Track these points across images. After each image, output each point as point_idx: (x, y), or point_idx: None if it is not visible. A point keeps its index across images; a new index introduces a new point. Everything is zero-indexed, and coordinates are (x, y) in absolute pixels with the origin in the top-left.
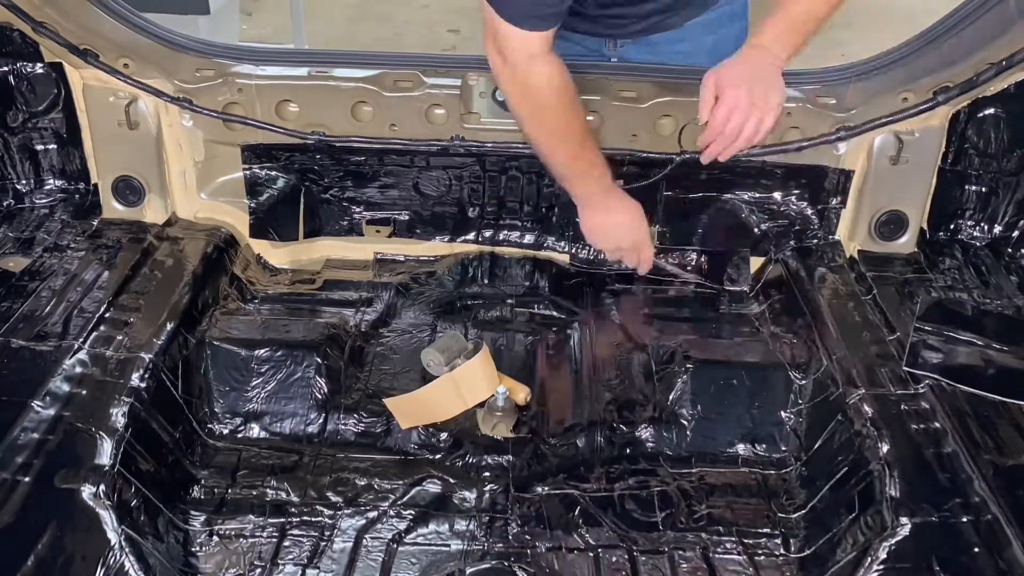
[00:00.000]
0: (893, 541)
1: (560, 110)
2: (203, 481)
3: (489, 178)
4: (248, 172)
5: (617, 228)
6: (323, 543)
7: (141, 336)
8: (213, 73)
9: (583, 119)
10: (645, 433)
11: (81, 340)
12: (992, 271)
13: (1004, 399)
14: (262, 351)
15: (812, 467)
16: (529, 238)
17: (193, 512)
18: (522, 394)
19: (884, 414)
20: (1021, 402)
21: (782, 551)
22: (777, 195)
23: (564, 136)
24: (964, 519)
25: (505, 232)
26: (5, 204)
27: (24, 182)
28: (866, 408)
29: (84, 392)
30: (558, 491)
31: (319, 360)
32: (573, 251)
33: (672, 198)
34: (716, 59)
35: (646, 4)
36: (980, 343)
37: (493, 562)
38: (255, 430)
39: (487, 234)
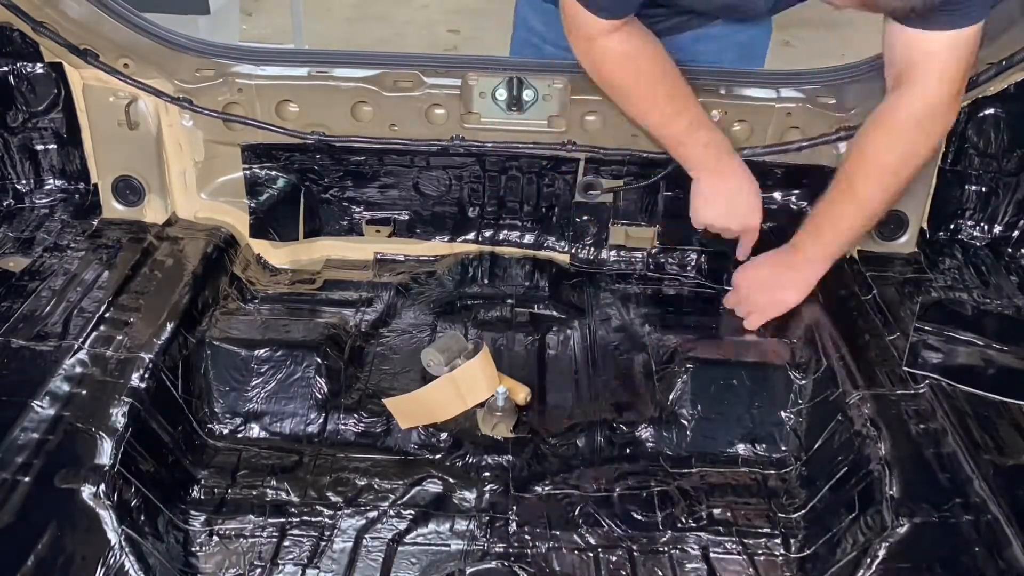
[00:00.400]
0: (893, 541)
1: (634, 77)
2: (203, 481)
3: (489, 178)
4: (248, 172)
5: (731, 195)
6: (323, 543)
7: (141, 336)
8: (213, 73)
9: (670, 81)
10: (645, 433)
11: (81, 340)
12: (992, 271)
13: (1004, 399)
14: (262, 351)
15: (812, 467)
16: (529, 238)
17: (193, 512)
18: (522, 394)
19: (884, 414)
20: (1021, 402)
21: (782, 551)
22: (777, 195)
23: (648, 102)
24: (964, 519)
25: (505, 232)
26: (5, 204)
27: (24, 182)
28: (866, 408)
29: (84, 392)
30: (558, 491)
31: (319, 360)
32: (573, 251)
33: (672, 198)
34: (744, 58)
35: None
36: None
37: (493, 562)
38: (255, 430)
39: (487, 234)
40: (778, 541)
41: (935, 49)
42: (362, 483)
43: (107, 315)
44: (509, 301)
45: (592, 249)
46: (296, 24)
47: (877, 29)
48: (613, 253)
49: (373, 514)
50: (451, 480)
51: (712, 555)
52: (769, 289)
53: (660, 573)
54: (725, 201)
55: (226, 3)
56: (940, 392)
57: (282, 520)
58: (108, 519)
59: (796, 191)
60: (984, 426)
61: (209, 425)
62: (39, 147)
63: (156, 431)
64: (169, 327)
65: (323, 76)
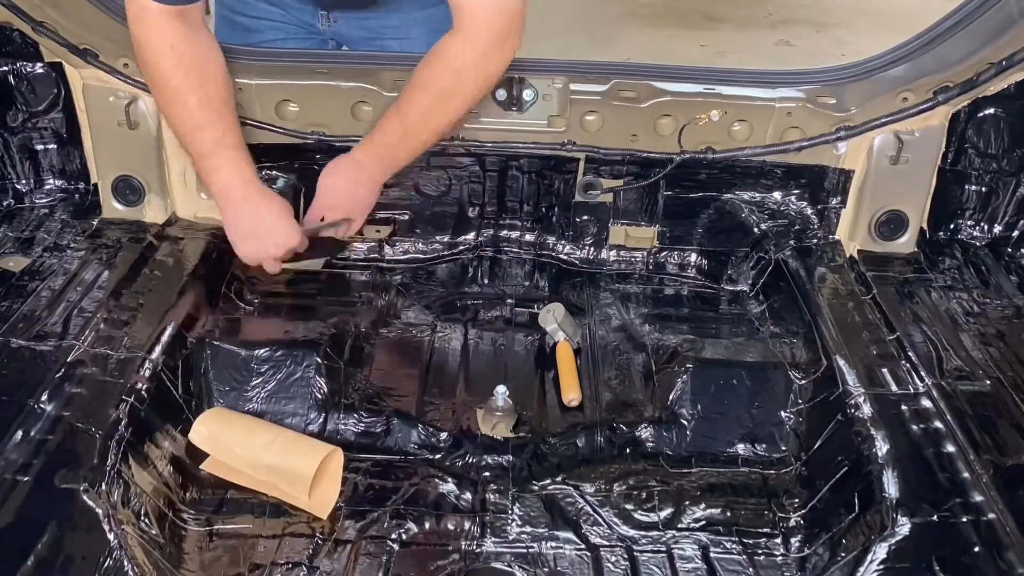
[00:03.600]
0: (893, 541)
1: (167, 74)
2: (203, 481)
3: (489, 178)
4: None
5: (258, 224)
6: (323, 543)
7: (141, 336)
8: None
9: (211, 89)
10: (645, 433)
11: (81, 340)
12: (992, 271)
13: None
14: (262, 351)
15: (812, 467)
16: (529, 238)
17: (193, 512)
18: (572, 394)
19: (884, 414)
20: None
21: (782, 551)
22: (777, 195)
23: (178, 102)
24: (964, 519)
25: (505, 232)
26: (5, 204)
27: (24, 182)
28: (866, 408)
29: (84, 392)
30: (558, 491)
31: (319, 360)
32: (573, 251)
33: (672, 198)
34: (431, 33)
35: None
36: None
37: (493, 562)
38: None
39: (487, 234)
40: (778, 541)
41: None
42: (362, 483)
43: (107, 315)
44: (509, 301)
45: (592, 249)
46: None
47: (878, 30)
48: (613, 253)
49: (373, 514)
50: (451, 480)
51: (712, 555)
52: (351, 196)
53: (660, 573)
54: (252, 232)
55: None
56: (940, 392)
57: (282, 520)
58: (108, 519)
59: (796, 191)
60: (984, 426)
61: None
62: (39, 147)
63: (156, 431)
64: (169, 327)
65: (323, 76)
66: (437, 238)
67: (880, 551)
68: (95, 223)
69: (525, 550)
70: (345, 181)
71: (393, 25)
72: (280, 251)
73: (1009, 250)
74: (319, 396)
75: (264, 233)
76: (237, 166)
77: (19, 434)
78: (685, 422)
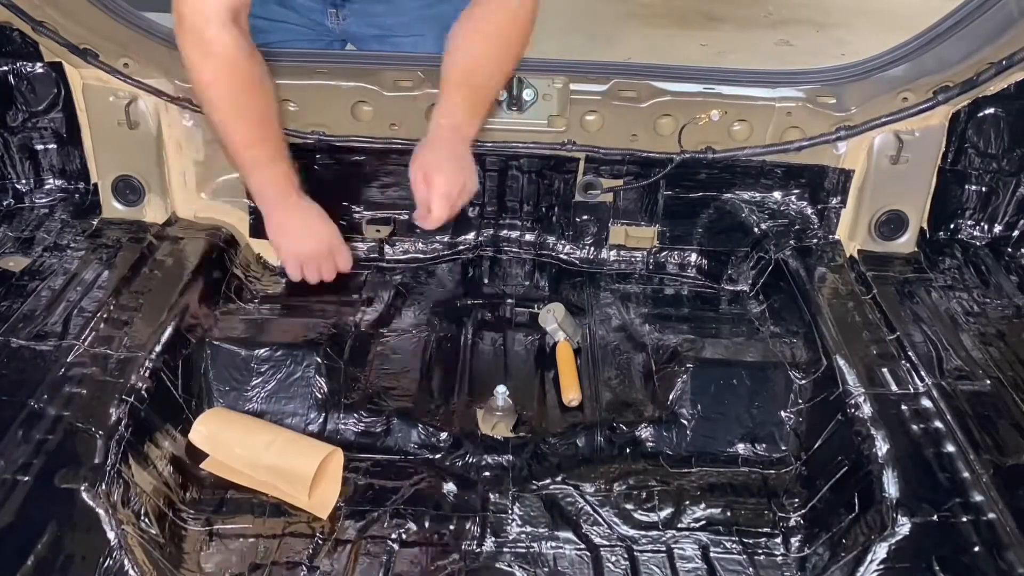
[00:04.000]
0: (893, 541)
1: (238, 87)
2: (203, 481)
3: (489, 178)
4: None
5: (302, 226)
6: (323, 543)
7: (141, 336)
8: None
9: (268, 104)
10: (645, 433)
11: (81, 340)
12: (992, 271)
13: None
14: (262, 351)
15: (812, 467)
16: (529, 238)
17: (193, 512)
18: (572, 394)
19: (884, 414)
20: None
21: (782, 551)
22: (777, 195)
23: (241, 117)
24: (964, 519)
25: (505, 232)
26: (5, 204)
27: (24, 182)
28: (866, 408)
29: (84, 392)
30: (558, 491)
31: (319, 360)
32: (573, 251)
33: (672, 198)
34: (441, 31)
35: None
36: None
37: (493, 562)
38: None
39: (487, 234)
40: (778, 541)
41: None
42: (362, 483)
43: (107, 315)
44: (509, 301)
45: (592, 249)
46: None
47: (878, 30)
48: (613, 253)
49: (373, 514)
50: (451, 480)
51: (712, 555)
52: (457, 171)
53: (660, 573)
54: (298, 233)
55: None
56: (940, 392)
57: (282, 520)
58: (108, 519)
59: (796, 191)
60: (984, 426)
61: None
62: (39, 147)
63: (156, 431)
64: (169, 327)
65: (323, 76)
66: (437, 238)
67: (880, 551)
68: (95, 223)
69: (525, 550)
70: (447, 157)
71: (403, 23)
72: (328, 249)
73: (1009, 250)
74: (319, 396)
75: (318, 235)
76: (288, 175)
77: (19, 434)
78: (685, 422)
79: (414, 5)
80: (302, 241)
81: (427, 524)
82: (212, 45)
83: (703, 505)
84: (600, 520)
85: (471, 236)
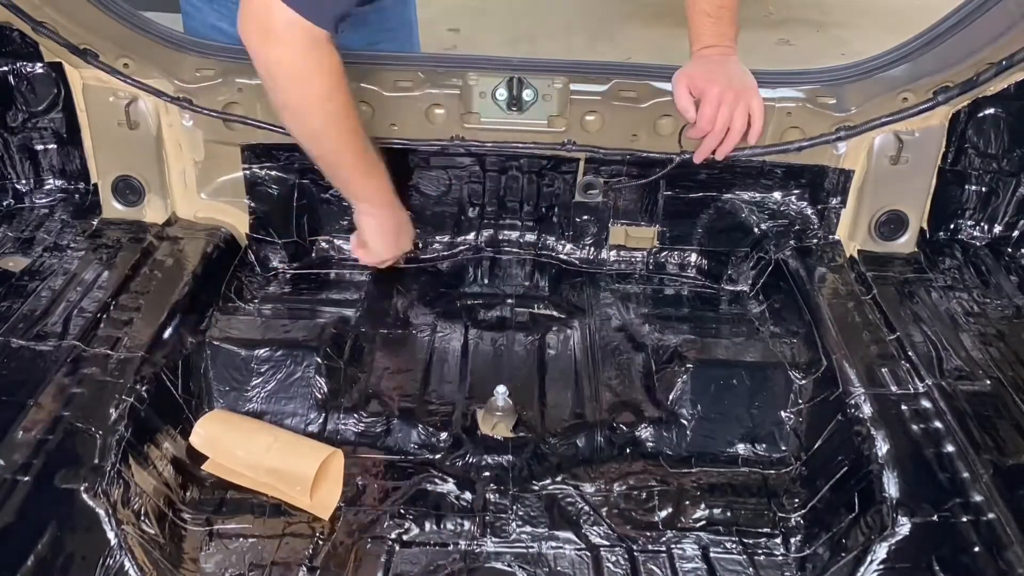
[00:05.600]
0: (893, 541)
1: (349, 98)
2: (203, 481)
3: (489, 178)
4: (248, 172)
5: (397, 228)
6: (323, 543)
7: (141, 336)
8: (213, 73)
9: (356, 114)
10: (645, 433)
11: (81, 340)
12: (992, 271)
13: None
14: (262, 351)
15: (812, 467)
16: (529, 238)
17: (193, 512)
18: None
19: (884, 414)
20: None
21: (782, 551)
22: (777, 195)
23: (357, 129)
24: (964, 519)
25: (505, 232)
26: (5, 204)
27: (24, 182)
28: (866, 408)
29: (84, 392)
30: (558, 491)
31: (319, 360)
32: (573, 251)
33: (672, 198)
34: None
35: None
36: None
37: (493, 562)
38: None
39: (487, 234)
40: (778, 541)
41: None
42: (362, 483)
43: (107, 315)
44: (509, 301)
45: (592, 249)
46: None
47: (878, 30)
48: (613, 253)
49: (373, 514)
50: (451, 480)
51: (712, 555)
52: (730, 76)
53: (660, 573)
54: (395, 237)
55: None
56: (940, 392)
57: (282, 520)
58: (108, 519)
59: (796, 191)
60: (984, 426)
61: None
62: (39, 147)
63: (156, 431)
64: (169, 327)
65: None
66: (437, 238)
67: (880, 551)
68: (95, 223)
69: (525, 550)
70: (717, 65)
71: (388, 28)
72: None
73: (1009, 250)
74: (319, 396)
75: (408, 238)
76: (389, 180)
77: (19, 434)
78: (685, 422)
79: (398, 9)
80: (398, 245)
81: (427, 524)
82: (331, 58)
83: (703, 505)
84: (600, 520)
85: (471, 236)
